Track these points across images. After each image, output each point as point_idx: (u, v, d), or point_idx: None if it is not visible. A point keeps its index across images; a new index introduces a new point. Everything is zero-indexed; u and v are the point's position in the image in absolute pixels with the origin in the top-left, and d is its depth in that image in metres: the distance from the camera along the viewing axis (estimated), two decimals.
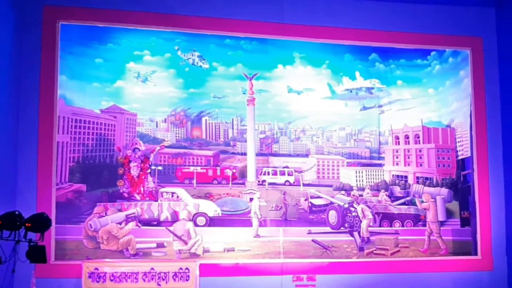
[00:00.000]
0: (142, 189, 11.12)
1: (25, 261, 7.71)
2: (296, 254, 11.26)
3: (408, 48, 12.32)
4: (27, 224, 7.46)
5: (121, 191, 11.01)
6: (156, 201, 11.14)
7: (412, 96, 12.36)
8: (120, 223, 10.74)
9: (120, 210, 10.87)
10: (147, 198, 11.13)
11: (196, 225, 11.11)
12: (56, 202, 10.42)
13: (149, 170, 11.18)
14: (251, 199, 11.43)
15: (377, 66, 12.22)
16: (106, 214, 10.72)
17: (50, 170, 10.43)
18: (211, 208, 11.30)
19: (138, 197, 11.08)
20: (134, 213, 10.84)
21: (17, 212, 7.48)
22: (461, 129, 12.39)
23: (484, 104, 12.32)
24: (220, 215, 11.29)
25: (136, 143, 11.17)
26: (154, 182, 11.19)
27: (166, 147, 11.30)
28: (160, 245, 10.88)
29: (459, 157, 12.39)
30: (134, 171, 11.08)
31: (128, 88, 11.13)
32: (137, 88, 11.16)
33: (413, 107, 12.34)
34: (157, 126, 11.36)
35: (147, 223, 11.00)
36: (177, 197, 11.24)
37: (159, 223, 11.07)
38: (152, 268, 10.48)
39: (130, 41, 11.15)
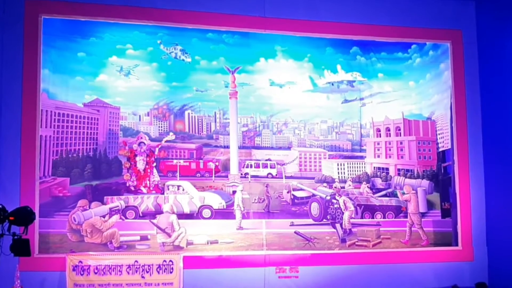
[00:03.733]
0: (148, 182, 11.20)
1: (9, 254, 7.73)
2: (279, 246, 11.35)
3: (389, 41, 12.40)
4: (10, 218, 7.49)
5: (127, 184, 11.14)
6: (163, 194, 11.24)
7: (393, 89, 12.45)
8: (103, 216, 10.78)
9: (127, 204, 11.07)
10: (153, 191, 11.22)
11: (202, 217, 11.25)
12: (40, 195, 10.45)
13: (154, 164, 11.27)
14: (234, 192, 11.50)
15: (358, 59, 12.30)
16: (89, 207, 10.76)
17: (33, 164, 10.46)
18: (216, 201, 11.40)
19: (144, 190, 11.19)
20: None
21: (0, 206, 7.51)
22: (442, 121, 12.51)
23: (464, 96, 12.44)
24: (225, 207, 11.39)
25: (141, 137, 11.26)
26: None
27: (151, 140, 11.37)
28: (143, 238, 10.94)
29: (440, 149, 12.51)
30: (140, 165, 11.16)
31: (111, 82, 11.15)
32: (120, 81, 11.19)
33: (394, 100, 12.44)
34: (140, 119, 11.39)
35: (153, 215, 11.10)
36: (183, 190, 11.33)
37: None
38: (136, 261, 10.55)
39: (113, 35, 11.17)
